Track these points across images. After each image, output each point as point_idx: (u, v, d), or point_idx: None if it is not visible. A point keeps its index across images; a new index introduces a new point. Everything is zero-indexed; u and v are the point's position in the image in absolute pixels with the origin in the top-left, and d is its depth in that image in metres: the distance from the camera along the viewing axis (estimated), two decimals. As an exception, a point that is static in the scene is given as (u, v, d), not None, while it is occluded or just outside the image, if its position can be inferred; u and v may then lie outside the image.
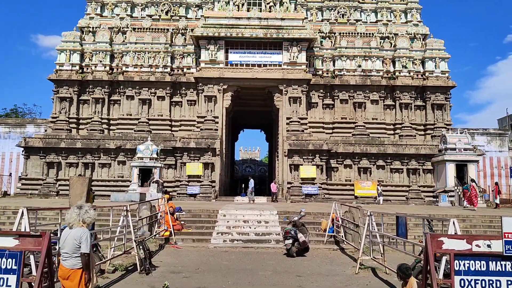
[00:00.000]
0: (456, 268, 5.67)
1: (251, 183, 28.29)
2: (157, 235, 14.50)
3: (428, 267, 5.78)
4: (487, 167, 36.49)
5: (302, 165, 29.29)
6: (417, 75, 32.19)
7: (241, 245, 13.92)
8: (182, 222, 15.99)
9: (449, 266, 5.82)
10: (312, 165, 29.29)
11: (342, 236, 14.12)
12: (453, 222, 6.45)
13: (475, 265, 5.70)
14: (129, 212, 10.27)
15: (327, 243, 14.37)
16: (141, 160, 26.82)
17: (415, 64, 32.24)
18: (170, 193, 28.00)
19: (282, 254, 12.76)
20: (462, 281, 5.67)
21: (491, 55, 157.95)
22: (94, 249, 10.38)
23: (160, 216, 14.85)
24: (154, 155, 26.94)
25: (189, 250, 13.31)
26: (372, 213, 10.26)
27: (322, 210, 19.12)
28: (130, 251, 10.28)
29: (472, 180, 23.46)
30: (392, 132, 31.80)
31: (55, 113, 31.70)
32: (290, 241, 12.24)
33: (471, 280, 5.67)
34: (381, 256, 10.06)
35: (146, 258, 9.96)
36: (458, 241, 5.70)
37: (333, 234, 14.71)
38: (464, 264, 5.70)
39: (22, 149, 30.87)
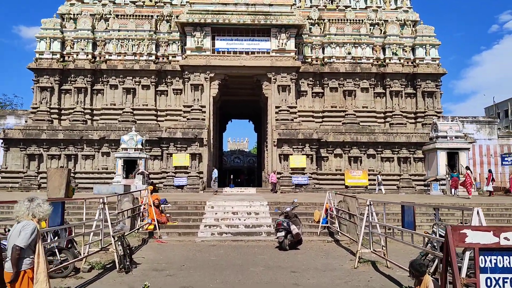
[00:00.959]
0: (482, 265, 4.82)
1: (215, 173, 27.05)
2: (140, 229, 13.53)
3: (449, 265, 4.91)
4: (476, 155, 36.01)
5: (291, 154, 28.42)
6: (408, 62, 31.45)
7: (230, 238, 13.02)
8: (168, 215, 15.02)
9: (473, 263, 4.96)
10: (302, 154, 28.44)
11: (336, 227, 13.30)
12: (477, 212, 5.60)
13: (503, 261, 4.86)
14: (106, 205, 9.26)
15: (321, 235, 13.54)
16: (125, 151, 25.68)
17: (406, 51, 31.48)
18: (157, 185, 27.03)
19: (274, 247, 11.88)
20: (488, 280, 4.83)
21: (476, 45, 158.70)
22: (69, 246, 9.42)
23: (144, 208, 13.86)
24: (139, 146, 25.81)
25: (174, 244, 12.36)
26: (372, 203, 9.40)
27: (314, 200, 18.29)
28: (108, 248, 9.30)
29: (467, 168, 22.87)
30: (382, 120, 31.08)
31: (36, 104, 30.30)
32: (283, 233, 11.36)
33: (499, 278, 4.83)
34: (382, 248, 9.23)
35: (126, 255, 8.99)
36: (483, 233, 4.84)
37: (326, 225, 13.89)
38: (490, 260, 4.84)
39: (1, 141, 29.49)
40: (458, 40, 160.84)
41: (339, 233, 13.31)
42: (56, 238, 8.78)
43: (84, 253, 8.90)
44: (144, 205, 13.86)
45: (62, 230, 9.25)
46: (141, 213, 13.67)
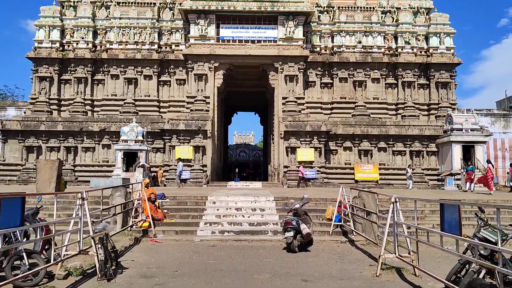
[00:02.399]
0: None
1: (180, 166, 25.17)
2: (134, 226, 12.14)
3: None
4: (490, 149, 34.28)
5: (299, 147, 26.92)
6: (421, 52, 29.73)
7: (233, 237, 11.58)
8: (165, 211, 13.61)
9: None
10: (310, 147, 26.92)
11: (351, 225, 11.82)
12: None
13: None
14: (85, 200, 7.83)
15: (333, 234, 12.06)
16: (125, 143, 24.34)
17: (419, 40, 29.75)
18: (158, 178, 25.69)
19: (282, 248, 10.43)
20: None
21: (485, 39, 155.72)
22: (47, 247, 8.05)
23: (138, 204, 12.45)
24: (140, 138, 24.45)
25: (170, 244, 10.94)
26: (397, 200, 7.89)
27: (324, 195, 16.82)
28: (88, 250, 7.89)
29: (488, 161, 21.23)
30: (394, 112, 29.44)
31: (35, 94, 29.00)
32: (292, 233, 9.90)
33: None
34: (409, 253, 7.74)
35: (109, 259, 7.58)
36: None
37: (339, 223, 12.41)
38: None
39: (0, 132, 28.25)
40: (467, 35, 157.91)
41: (353, 232, 11.83)
42: (25, 239, 7.40)
43: (61, 256, 7.51)
44: (138, 200, 12.45)
45: (37, 229, 7.89)
46: (135, 209, 12.26)
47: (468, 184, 22.13)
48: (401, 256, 7.85)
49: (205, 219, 12.98)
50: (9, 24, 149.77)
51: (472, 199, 15.85)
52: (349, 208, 12.06)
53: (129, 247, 10.36)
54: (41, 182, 14.76)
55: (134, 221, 12.10)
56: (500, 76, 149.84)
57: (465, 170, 23.43)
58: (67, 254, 7.64)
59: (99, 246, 7.50)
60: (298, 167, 25.92)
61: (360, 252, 10.19)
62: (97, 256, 7.42)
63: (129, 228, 11.78)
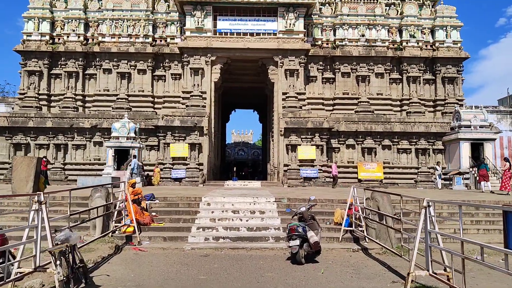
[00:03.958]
0: None
1: (134, 163, 21.58)
2: (117, 232, 10.54)
3: None
4: (497, 147, 32.74)
5: (300, 145, 25.33)
6: (426, 46, 28.16)
7: (229, 245, 9.97)
8: (154, 214, 11.99)
9: None
10: (311, 145, 25.34)
11: (364, 231, 10.24)
12: None
13: None
14: (43, 205, 6.21)
15: (343, 241, 10.46)
16: (116, 139, 22.73)
17: (424, 34, 28.18)
18: (152, 178, 24.05)
19: (285, 258, 8.84)
20: None
21: (483, 39, 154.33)
22: (1, 261, 6.43)
23: (122, 206, 10.84)
24: (132, 134, 22.83)
25: (156, 253, 9.33)
26: (430, 204, 6.29)
27: (329, 195, 15.25)
28: (47, 267, 6.27)
29: (506, 159, 19.60)
30: (398, 108, 27.87)
31: (23, 89, 27.36)
32: (297, 242, 8.29)
33: None
34: (446, 270, 6.15)
35: (71, 279, 5.98)
36: None
37: (350, 228, 10.82)
38: None
39: (-15, 129, 26.57)
40: (465, 34, 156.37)
41: (366, 238, 10.26)
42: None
43: (20, 271, 5.90)
44: (123, 202, 10.83)
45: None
46: (119, 212, 10.64)
47: (483, 183, 20.43)
48: (435, 273, 6.26)
49: (198, 223, 11.38)
50: (7, 23, 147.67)
51: (492, 200, 14.27)
52: (361, 211, 10.48)
53: (107, 258, 8.75)
54: (16, 181, 13.13)
55: (116, 226, 10.49)
56: (499, 76, 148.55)
57: (478, 167, 21.75)
58: (19, 272, 6.02)
59: (60, 261, 5.90)
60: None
61: (378, 264, 8.59)
62: (57, 273, 5.81)
63: (110, 234, 10.18)
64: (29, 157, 15.51)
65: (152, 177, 23.40)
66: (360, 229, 10.52)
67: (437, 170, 24.39)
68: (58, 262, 5.83)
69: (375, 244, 9.94)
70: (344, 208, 12.27)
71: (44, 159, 22.91)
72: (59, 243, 6.12)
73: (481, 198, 14.74)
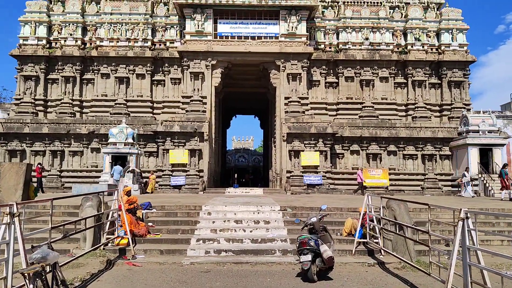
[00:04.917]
0: None
1: (116, 169, 20.02)
2: (109, 244, 9.60)
3: None
4: (503, 153, 31.84)
5: (303, 151, 24.42)
6: (432, 49, 27.35)
7: (232, 259, 9.02)
8: (150, 224, 11.05)
9: None
10: (315, 151, 24.41)
11: (380, 243, 9.30)
12: None
13: None
14: (17, 218, 5.27)
15: (357, 254, 9.50)
16: (114, 145, 21.82)
17: (429, 37, 27.37)
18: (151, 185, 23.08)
19: (295, 275, 7.88)
20: None
21: (482, 46, 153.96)
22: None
23: (115, 216, 9.90)
24: (130, 140, 21.92)
25: (151, 269, 8.38)
26: (469, 215, 5.35)
27: (336, 203, 14.31)
28: (21, 290, 5.32)
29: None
30: (404, 113, 26.99)
31: (19, 94, 26.52)
32: (309, 257, 7.34)
33: None
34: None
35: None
36: None
37: (364, 240, 9.87)
38: None
39: (-20, 135, 25.65)
40: (466, 40, 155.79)
41: (382, 251, 9.32)
42: None
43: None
44: (114, 211, 9.89)
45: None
46: (108, 223, 9.69)
47: (505, 191, 19.33)
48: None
49: (198, 234, 10.42)
50: (9, 32, 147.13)
51: None
52: (377, 221, 9.54)
53: (97, 274, 7.79)
54: (4, 189, 12.19)
55: (109, 238, 9.55)
56: (499, 82, 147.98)
57: (500, 174, 20.66)
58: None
59: (34, 285, 4.95)
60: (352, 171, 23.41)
61: (399, 281, 7.63)
62: (31, 299, 4.86)
63: (102, 247, 9.23)
64: (18, 163, 14.56)
65: (148, 185, 22.38)
66: (375, 240, 9.59)
67: (465, 177, 22.09)
68: (31, 286, 4.88)
69: (391, 258, 9.00)
70: (355, 217, 11.37)
71: (39, 165, 22.03)
72: (34, 262, 5.18)
73: (488, 205, 13.80)
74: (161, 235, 10.43)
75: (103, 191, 9.59)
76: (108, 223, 9.61)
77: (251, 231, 10.61)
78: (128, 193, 11.23)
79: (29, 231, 9.47)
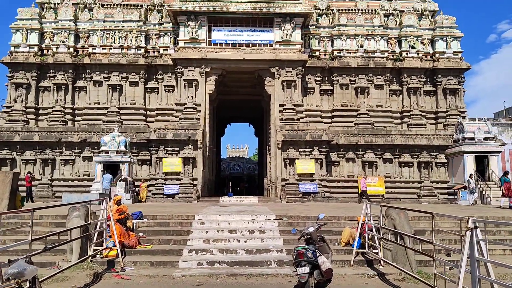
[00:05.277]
0: None
1: (106, 178, 19.71)
2: (98, 256, 9.16)
3: None
4: (499, 161, 31.68)
5: (298, 158, 24.10)
6: (426, 57, 27.26)
7: (225, 270, 8.60)
8: (140, 234, 10.61)
9: None
10: (310, 158, 24.11)
11: (379, 253, 8.93)
12: None
13: None
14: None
15: (355, 265, 9.12)
16: (106, 154, 21.35)
17: (424, 44, 27.28)
18: (145, 194, 22.59)
19: (292, 288, 7.50)
20: None
21: (474, 55, 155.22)
22: None
23: (104, 226, 9.46)
24: (122, 148, 21.47)
25: (141, 282, 7.94)
26: (477, 224, 5.01)
27: (333, 212, 13.92)
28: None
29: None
30: (399, 121, 26.79)
31: (10, 102, 26.07)
32: (306, 269, 6.95)
33: None
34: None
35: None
36: None
37: (362, 250, 9.49)
38: None
39: (-31, 144, 25.09)
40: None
41: (381, 261, 8.94)
42: None
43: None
44: (103, 221, 9.46)
45: None
46: (96, 234, 9.24)
47: (504, 199, 18.96)
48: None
49: (190, 245, 10.00)
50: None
51: None
52: (376, 230, 9.18)
53: (83, 289, 7.36)
54: (-11, 198, 11.73)
55: (97, 249, 9.11)
56: (491, 90, 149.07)
57: (501, 181, 20.31)
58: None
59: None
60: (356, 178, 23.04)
61: (400, 294, 7.26)
62: (5, 320, 4.44)
63: (89, 258, 8.78)
64: (4, 172, 14.12)
65: (139, 193, 21.85)
66: (374, 251, 9.22)
67: (471, 184, 21.81)
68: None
69: (391, 268, 8.63)
70: (353, 226, 11.02)
71: (28, 174, 21.50)
72: (10, 278, 4.77)
73: (488, 214, 13.49)
74: (152, 246, 10.00)
75: (90, 200, 9.15)
76: (96, 233, 9.16)
77: (245, 241, 10.20)
78: (119, 202, 10.81)
79: (14, 242, 9.03)
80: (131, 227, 10.62)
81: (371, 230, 9.39)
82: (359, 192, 22.70)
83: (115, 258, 9.03)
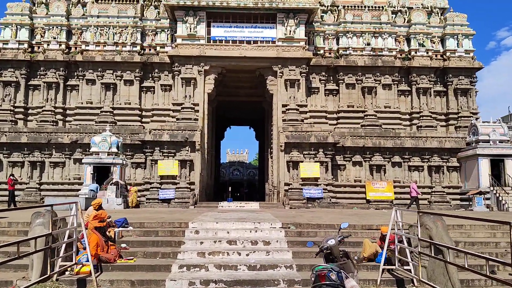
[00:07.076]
0: None
1: (92, 187, 18.57)
2: (67, 272, 7.39)
3: None
4: (510, 165, 29.95)
5: (302, 162, 22.36)
6: (436, 55, 25.64)
7: (223, 292, 6.85)
8: (123, 246, 8.84)
9: None
10: (315, 162, 22.37)
11: (411, 270, 7.18)
12: None
13: None
14: None
15: (383, 285, 7.34)
16: (96, 155, 19.62)
17: (434, 42, 25.66)
18: (138, 199, 20.82)
19: (308, 318, 5.73)
20: None
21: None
22: None
23: (74, 236, 7.69)
24: (114, 149, 19.74)
25: (115, 309, 6.18)
26: None
27: (345, 219, 12.16)
28: None
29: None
30: (408, 122, 25.11)
31: (-3, 101, 24.33)
32: (330, 294, 5.20)
33: None
34: None
35: None
36: None
37: (390, 266, 7.72)
38: None
39: (-47, 145, 23.35)
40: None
41: (415, 280, 7.19)
42: None
43: None
44: (74, 230, 7.68)
45: None
46: (64, 246, 7.46)
47: None
48: None
49: (182, 258, 8.23)
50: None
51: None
52: (406, 242, 7.43)
53: (38, 319, 5.58)
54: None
55: (64, 265, 7.33)
56: (491, 97, 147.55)
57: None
58: None
59: None
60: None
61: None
62: None
63: (54, 276, 7.01)
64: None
65: (128, 198, 19.92)
66: (404, 267, 7.47)
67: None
68: None
69: (428, 289, 6.88)
70: (372, 237, 9.30)
71: (10, 177, 19.66)
72: None
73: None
74: (135, 260, 8.20)
75: (52, 205, 7.35)
76: (64, 245, 7.38)
77: (247, 255, 8.42)
78: (99, 208, 9.05)
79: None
80: (113, 236, 8.85)
81: (401, 242, 7.64)
82: (415, 198, 20.41)
83: (88, 275, 7.25)
